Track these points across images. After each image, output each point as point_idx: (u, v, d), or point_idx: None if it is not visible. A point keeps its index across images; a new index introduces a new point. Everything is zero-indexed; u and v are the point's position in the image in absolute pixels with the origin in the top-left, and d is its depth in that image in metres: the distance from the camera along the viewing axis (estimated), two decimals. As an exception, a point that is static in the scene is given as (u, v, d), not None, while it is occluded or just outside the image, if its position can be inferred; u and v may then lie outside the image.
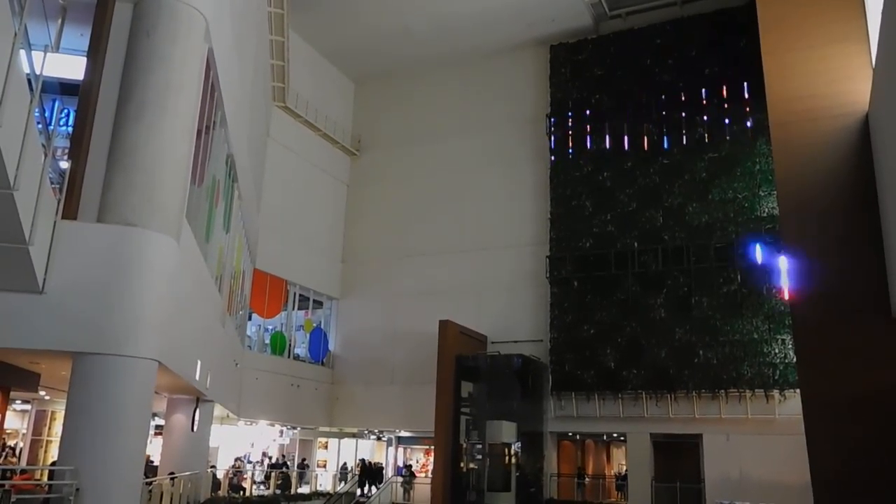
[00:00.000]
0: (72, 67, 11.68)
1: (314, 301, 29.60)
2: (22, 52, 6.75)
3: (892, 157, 12.52)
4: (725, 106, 24.28)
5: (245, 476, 23.97)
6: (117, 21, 11.44)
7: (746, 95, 23.72)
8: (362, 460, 29.91)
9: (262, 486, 24.42)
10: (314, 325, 29.77)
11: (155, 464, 18.42)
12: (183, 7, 11.71)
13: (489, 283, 27.04)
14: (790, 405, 20.67)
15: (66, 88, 12.24)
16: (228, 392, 20.26)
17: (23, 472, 14.52)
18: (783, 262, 22.18)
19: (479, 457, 23.13)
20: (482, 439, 23.13)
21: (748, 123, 23.71)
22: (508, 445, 23.30)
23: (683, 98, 24.98)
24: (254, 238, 24.09)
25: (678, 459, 23.50)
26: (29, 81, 7.27)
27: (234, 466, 24.88)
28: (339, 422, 28.88)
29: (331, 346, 29.63)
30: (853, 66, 15.64)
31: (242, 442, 27.77)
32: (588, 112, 26.45)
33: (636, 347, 23.57)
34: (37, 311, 9.62)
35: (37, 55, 7.70)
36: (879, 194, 14.27)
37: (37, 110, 7.65)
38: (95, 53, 11.15)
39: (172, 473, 15.52)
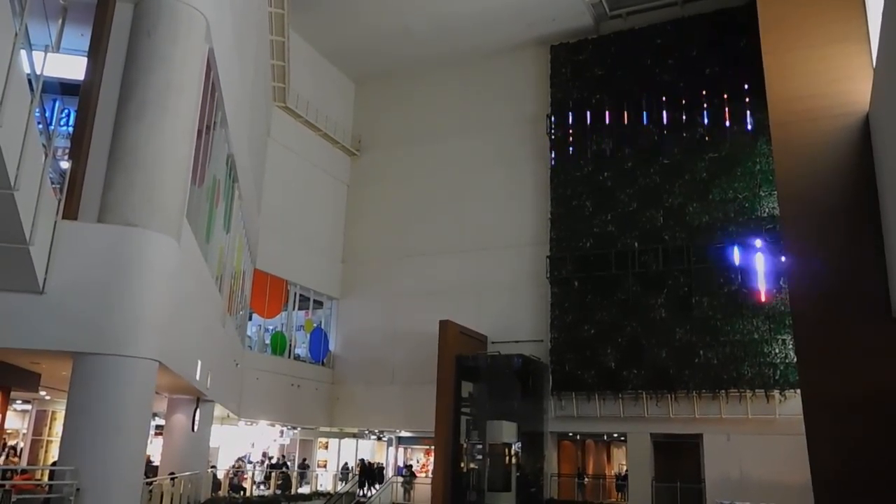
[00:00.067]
0: (72, 67, 11.69)
1: (314, 301, 29.61)
2: (22, 52, 6.75)
3: (893, 157, 12.53)
4: (726, 106, 24.28)
5: (245, 476, 23.98)
6: (118, 21, 11.45)
7: (747, 95, 23.71)
8: (361, 460, 29.92)
9: (262, 487, 24.42)
10: (314, 325, 29.78)
11: (155, 464, 18.42)
12: (183, 7, 11.72)
13: (489, 283, 27.04)
14: (791, 405, 20.66)
15: (66, 88, 12.26)
16: (229, 392, 20.26)
17: (23, 472, 14.53)
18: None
19: (480, 457, 23.13)
20: (482, 439, 23.13)
21: (748, 123, 23.71)
22: (509, 445, 23.29)
23: (684, 98, 24.97)
24: (254, 238, 24.09)
25: (678, 459, 23.49)
26: (29, 81, 7.27)
27: (234, 466, 24.89)
28: (339, 422, 28.88)
29: (331, 347, 29.63)
30: (853, 66, 15.64)
31: (243, 442, 27.78)
32: (588, 112, 26.44)
33: (636, 347, 23.57)
34: (37, 312, 9.62)
35: (37, 55, 7.71)
36: (880, 194, 14.26)
37: (37, 110, 7.66)
38: (96, 53, 11.16)
39: (173, 473, 15.52)
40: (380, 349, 28.18)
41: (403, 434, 29.85)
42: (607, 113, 26.05)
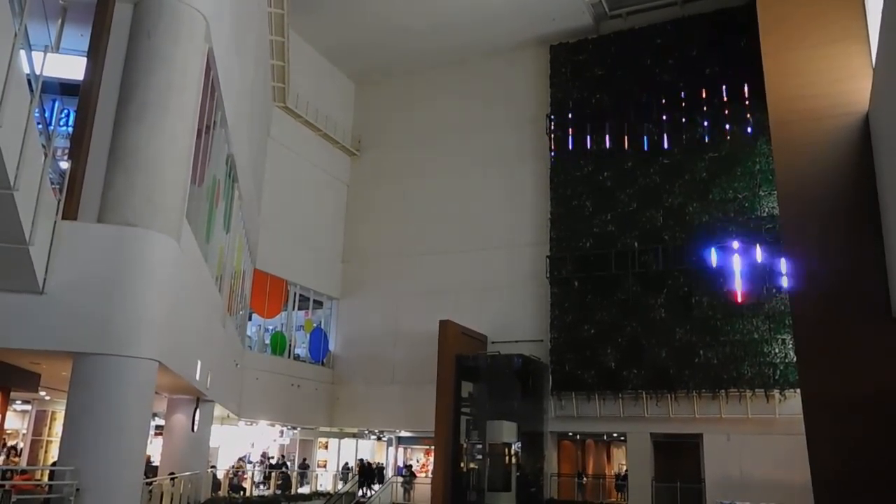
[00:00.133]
0: (72, 68, 11.69)
1: (314, 301, 29.61)
2: (22, 53, 6.75)
3: (893, 157, 12.53)
4: (726, 106, 24.26)
5: (245, 476, 23.97)
6: (117, 21, 11.44)
7: (747, 95, 23.70)
8: (360, 460, 29.93)
9: (261, 486, 24.41)
10: (314, 325, 29.77)
11: (155, 464, 18.42)
12: (183, 7, 11.72)
13: (489, 283, 27.03)
14: (790, 405, 20.65)
15: (66, 89, 12.25)
16: (229, 392, 20.26)
17: (23, 472, 14.53)
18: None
19: (480, 457, 23.14)
20: (482, 439, 23.14)
21: (748, 123, 23.70)
22: (509, 445, 23.30)
23: (684, 98, 24.97)
24: (254, 238, 24.09)
25: (678, 459, 23.49)
26: (29, 82, 7.27)
27: (234, 466, 24.89)
28: (339, 422, 28.88)
29: (331, 346, 29.63)
30: (853, 66, 15.64)
31: (243, 442, 27.77)
32: (588, 112, 26.43)
33: (636, 347, 23.57)
34: (37, 312, 9.62)
35: (37, 55, 7.71)
36: (880, 193, 14.27)
37: (37, 110, 7.66)
38: (96, 54, 11.16)
39: (173, 474, 15.52)
40: (380, 349, 28.19)
41: (403, 434, 29.85)
42: (607, 113, 26.04)
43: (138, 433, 10.47)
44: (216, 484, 20.75)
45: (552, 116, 27.08)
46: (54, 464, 11.07)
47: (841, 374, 14.09)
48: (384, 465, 30.54)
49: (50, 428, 20.91)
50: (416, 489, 26.84)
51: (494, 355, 24.79)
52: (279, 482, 24.57)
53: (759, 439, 21.38)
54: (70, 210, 10.19)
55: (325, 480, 28.36)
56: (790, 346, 21.04)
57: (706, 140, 24.32)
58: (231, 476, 22.79)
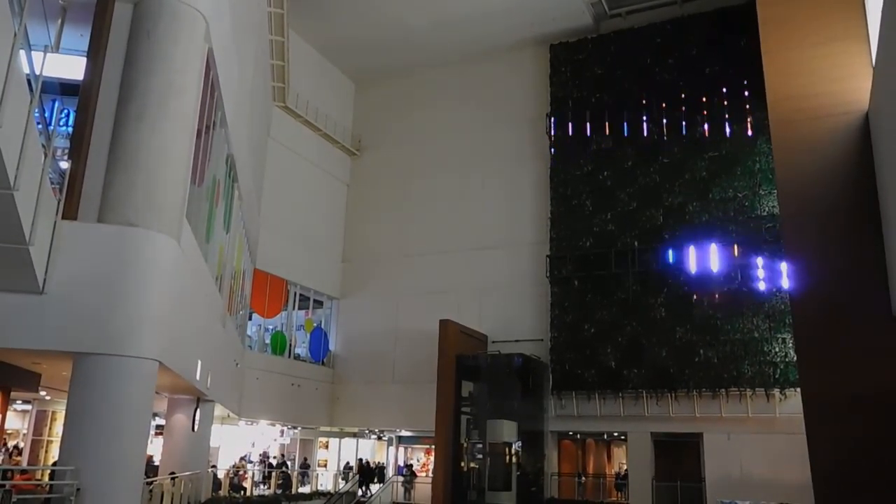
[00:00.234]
0: (72, 68, 11.69)
1: (314, 301, 29.62)
2: (22, 53, 6.75)
3: (893, 156, 12.52)
4: (725, 105, 24.25)
5: (246, 476, 23.98)
6: (117, 21, 11.44)
7: (746, 94, 23.69)
8: (360, 460, 29.94)
9: (261, 486, 24.42)
10: (315, 324, 29.78)
11: (156, 464, 18.43)
12: (183, 7, 11.71)
13: (489, 283, 27.03)
14: (791, 404, 20.65)
15: (66, 89, 12.25)
16: (229, 392, 20.27)
17: (23, 472, 14.53)
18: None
19: (480, 456, 23.14)
20: (483, 438, 23.14)
21: (748, 122, 23.68)
22: (509, 445, 23.30)
23: (683, 97, 24.95)
24: (254, 238, 24.10)
25: (679, 458, 23.49)
26: (29, 82, 7.27)
27: (235, 466, 24.90)
28: (339, 421, 28.89)
29: (331, 346, 29.63)
30: (853, 65, 15.62)
31: (243, 442, 27.78)
32: (588, 111, 26.41)
33: (637, 347, 23.57)
34: (37, 312, 9.63)
35: (37, 55, 7.70)
36: (880, 192, 14.25)
37: (37, 111, 7.66)
38: (95, 54, 11.16)
39: (173, 473, 15.52)
40: (380, 349, 28.19)
41: (404, 433, 29.87)
42: (607, 112, 26.02)
43: (139, 433, 10.47)
44: (217, 484, 20.76)
45: (552, 116, 27.07)
46: (55, 464, 11.08)
47: (841, 373, 14.07)
48: (385, 465, 30.56)
49: (50, 428, 20.92)
50: (416, 488, 26.86)
51: (495, 355, 24.80)
52: (280, 482, 24.57)
53: (760, 438, 21.38)
54: (70, 210, 10.20)
55: (325, 480, 28.37)
56: (790, 345, 21.04)
57: (706, 139, 24.31)
58: (231, 476, 22.79)
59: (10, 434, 20.49)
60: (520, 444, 23.58)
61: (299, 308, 29.12)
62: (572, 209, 25.79)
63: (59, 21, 11.41)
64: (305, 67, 28.59)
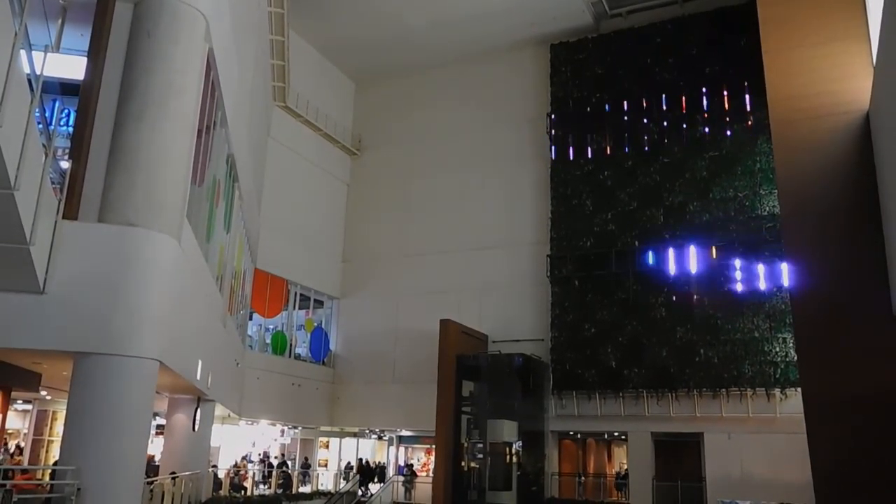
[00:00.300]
0: (72, 67, 11.68)
1: (315, 300, 29.62)
2: (22, 53, 6.75)
3: (893, 155, 12.52)
4: (726, 104, 24.24)
5: (247, 475, 23.98)
6: (118, 21, 11.44)
7: (747, 94, 23.69)
8: (360, 460, 29.94)
9: (262, 486, 24.42)
10: (315, 324, 29.78)
11: (157, 463, 18.44)
12: (183, 7, 11.71)
13: (490, 283, 27.04)
14: (791, 404, 20.66)
15: (66, 88, 12.26)
16: (229, 392, 20.27)
17: (24, 471, 14.54)
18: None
19: (481, 456, 23.14)
20: (483, 438, 23.14)
21: (749, 122, 23.68)
22: (509, 444, 23.31)
23: (684, 96, 24.94)
24: (254, 238, 24.10)
25: (679, 458, 23.48)
26: (29, 82, 7.28)
27: (236, 466, 24.90)
28: (340, 421, 28.89)
29: (332, 346, 29.64)
30: (854, 64, 15.62)
31: (244, 441, 27.79)
32: (588, 111, 26.42)
33: (637, 346, 23.57)
34: (38, 312, 9.63)
35: (37, 55, 7.71)
36: (880, 192, 14.25)
37: (37, 110, 7.66)
38: (96, 54, 11.16)
39: (174, 473, 15.53)
40: (380, 348, 28.19)
41: (404, 433, 29.86)
42: (607, 112, 26.03)
43: (139, 433, 10.48)
44: (217, 483, 20.77)
45: (552, 115, 27.07)
46: (55, 463, 11.08)
47: (842, 373, 14.07)
48: (385, 465, 30.56)
49: (51, 428, 20.94)
50: (417, 488, 26.86)
51: (495, 354, 24.80)
52: (280, 481, 24.57)
53: (760, 438, 21.37)
54: (70, 210, 10.20)
55: (326, 480, 28.37)
56: (791, 344, 21.04)
57: (707, 139, 24.32)
58: (232, 475, 22.80)
59: (10, 434, 20.50)
60: (520, 443, 23.59)
61: (300, 308, 29.13)
62: (573, 209, 25.78)
63: (60, 21, 11.39)
64: (305, 67, 28.59)
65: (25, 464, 18.41)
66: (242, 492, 22.46)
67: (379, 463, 30.90)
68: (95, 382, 9.91)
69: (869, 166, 14.72)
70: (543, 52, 28.05)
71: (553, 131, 26.92)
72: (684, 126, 24.74)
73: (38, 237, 8.47)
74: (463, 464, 23.27)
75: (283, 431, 28.81)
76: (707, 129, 24.40)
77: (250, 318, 25.79)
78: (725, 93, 24.27)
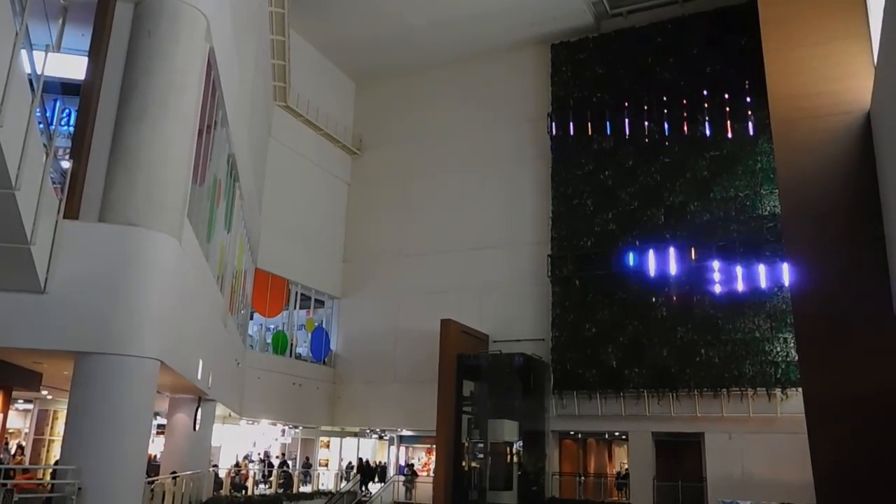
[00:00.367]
0: (73, 67, 11.70)
1: (316, 300, 29.63)
2: (23, 53, 6.76)
3: (894, 155, 12.51)
4: (727, 104, 24.22)
5: (247, 475, 23.99)
6: (118, 21, 11.46)
7: (748, 93, 23.65)
8: (360, 459, 29.96)
9: (262, 486, 24.42)
10: (316, 324, 29.78)
11: (158, 463, 18.44)
12: (184, 7, 11.72)
13: (490, 282, 27.04)
14: (792, 404, 20.65)
15: (67, 88, 12.27)
16: (230, 391, 20.28)
17: (25, 471, 14.54)
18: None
19: (481, 455, 23.14)
20: (484, 438, 23.15)
21: (749, 121, 23.66)
22: (510, 444, 23.31)
23: (684, 96, 24.91)
24: (255, 237, 24.11)
25: (680, 458, 23.48)
26: (30, 81, 7.28)
27: (237, 465, 24.90)
28: (340, 421, 28.90)
29: (332, 346, 29.64)
30: (855, 64, 15.59)
31: (244, 441, 27.80)
32: (589, 110, 26.39)
33: (638, 346, 23.57)
34: (39, 311, 9.64)
35: (38, 55, 7.71)
36: (881, 192, 14.24)
37: (38, 110, 7.67)
38: (97, 53, 11.17)
39: (174, 473, 15.53)
40: (381, 348, 28.20)
41: (405, 433, 29.87)
42: (608, 111, 26.01)
43: (140, 432, 10.48)
44: (218, 483, 20.77)
45: (553, 115, 27.06)
46: (56, 463, 11.09)
47: (842, 372, 14.05)
48: (386, 464, 30.57)
49: (52, 427, 20.95)
50: (417, 488, 26.88)
51: (496, 354, 24.81)
52: (281, 481, 24.58)
53: (761, 438, 21.37)
54: (71, 209, 10.21)
55: (326, 479, 28.38)
56: (792, 344, 21.03)
57: (707, 138, 24.29)
58: (233, 475, 22.80)
59: (11, 433, 20.51)
60: (521, 443, 23.59)
61: (300, 307, 29.13)
62: (573, 209, 25.78)
63: (61, 21, 11.39)
64: (306, 67, 28.61)
65: (26, 463, 18.40)
66: (243, 491, 22.46)
67: (379, 463, 30.90)
68: (96, 382, 9.91)
69: (870, 166, 14.71)
70: (544, 52, 28.05)
71: (554, 131, 26.91)
72: (685, 126, 24.72)
73: (39, 237, 8.48)
74: (463, 463, 23.28)
75: (283, 431, 28.82)
76: (708, 129, 24.38)
77: (251, 318, 25.80)
78: (726, 92, 24.23)
